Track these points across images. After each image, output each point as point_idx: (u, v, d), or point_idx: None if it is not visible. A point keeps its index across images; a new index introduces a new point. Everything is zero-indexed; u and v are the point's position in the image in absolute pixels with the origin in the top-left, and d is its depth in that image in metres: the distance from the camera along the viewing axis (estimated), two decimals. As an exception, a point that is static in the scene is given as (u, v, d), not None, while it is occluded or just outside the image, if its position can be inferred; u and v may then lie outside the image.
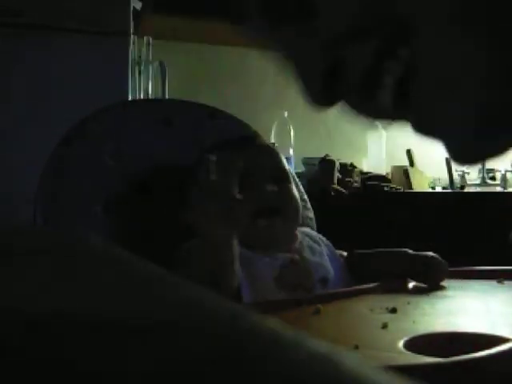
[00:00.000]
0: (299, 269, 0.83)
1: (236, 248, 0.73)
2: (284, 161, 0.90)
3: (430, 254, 0.82)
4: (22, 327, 0.17)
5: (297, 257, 0.84)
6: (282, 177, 0.87)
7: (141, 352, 0.16)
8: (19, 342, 0.16)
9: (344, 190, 2.00)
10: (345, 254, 0.92)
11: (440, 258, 0.81)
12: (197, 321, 0.19)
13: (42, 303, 0.20)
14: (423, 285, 0.78)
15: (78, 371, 0.14)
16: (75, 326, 0.17)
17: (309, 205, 1.08)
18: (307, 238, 0.90)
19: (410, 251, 0.84)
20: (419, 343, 0.49)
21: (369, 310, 0.65)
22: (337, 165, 2.09)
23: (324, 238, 0.93)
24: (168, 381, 0.14)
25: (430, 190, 2.55)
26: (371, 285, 0.79)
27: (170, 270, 0.25)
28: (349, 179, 2.16)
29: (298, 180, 1.06)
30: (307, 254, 0.86)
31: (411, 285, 0.80)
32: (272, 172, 0.86)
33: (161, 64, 2.02)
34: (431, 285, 0.78)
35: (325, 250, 0.89)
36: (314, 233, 0.92)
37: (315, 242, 0.90)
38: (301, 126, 2.32)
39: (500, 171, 2.70)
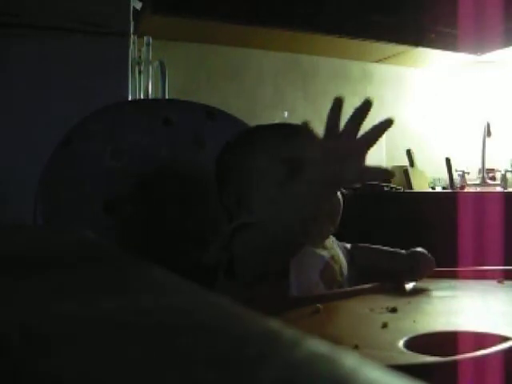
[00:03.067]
0: (336, 266, 0.86)
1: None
2: None
3: (419, 249, 0.84)
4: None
5: (334, 253, 0.87)
6: None
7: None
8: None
9: (344, 190, 2.00)
10: (348, 245, 0.94)
11: (427, 253, 0.83)
12: (196, 320, 0.19)
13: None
14: (423, 284, 0.79)
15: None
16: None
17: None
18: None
19: (403, 251, 0.87)
20: (419, 343, 0.49)
21: (369, 309, 0.65)
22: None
23: (334, 239, 0.94)
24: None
25: (430, 190, 2.55)
26: (371, 285, 0.79)
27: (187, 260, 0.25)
28: (349, 179, 2.15)
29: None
30: (339, 252, 0.89)
31: (411, 285, 0.80)
32: None
33: (161, 64, 2.02)
34: (416, 278, 0.81)
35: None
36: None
37: (334, 243, 0.92)
38: (301, 126, 2.32)
39: (500, 171, 2.70)
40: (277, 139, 0.87)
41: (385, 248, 0.90)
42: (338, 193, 0.89)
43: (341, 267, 0.87)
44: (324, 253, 0.86)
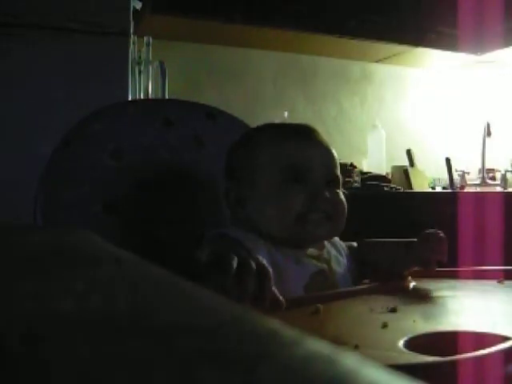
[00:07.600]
0: (327, 280, 0.83)
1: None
2: (338, 164, 0.89)
3: (429, 231, 0.80)
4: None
5: (326, 267, 0.84)
6: (335, 181, 0.87)
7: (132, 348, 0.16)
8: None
9: (344, 190, 2.00)
10: (355, 244, 0.92)
11: (440, 233, 0.79)
12: (197, 320, 0.19)
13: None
14: (423, 284, 0.79)
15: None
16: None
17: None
18: (333, 249, 0.89)
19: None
20: (419, 343, 0.49)
21: (369, 309, 0.65)
22: (337, 165, 2.09)
23: (341, 242, 0.92)
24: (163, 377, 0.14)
25: (430, 190, 2.55)
26: (371, 285, 0.79)
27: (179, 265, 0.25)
28: (349, 179, 2.16)
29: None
30: (335, 265, 0.86)
31: (411, 285, 0.80)
32: (327, 174, 0.86)
33: (161, 64, 2.02)
34: (430, 260, 0.77)
35: (345, 259, 0.89)
36: (337, 240, 0.91)
37: (339, 252, 0.90)
38: (301, 126, 2.32)
39: (500, 171, 2.70)
40: (278, 141, 0.86)
41: (390, 240, 0.88)
42: (341, 194, 0.87)
43: (335, 282, 0.84)
44: (313, 264, 0.83)
